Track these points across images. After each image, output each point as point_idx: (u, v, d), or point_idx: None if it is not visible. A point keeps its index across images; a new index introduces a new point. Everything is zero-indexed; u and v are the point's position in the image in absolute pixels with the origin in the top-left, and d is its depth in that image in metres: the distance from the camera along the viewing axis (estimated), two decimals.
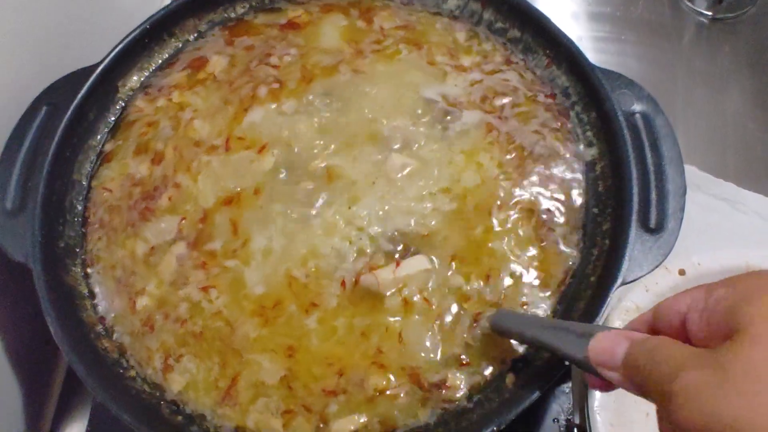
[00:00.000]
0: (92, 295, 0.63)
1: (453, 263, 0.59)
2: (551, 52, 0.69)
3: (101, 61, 0.69)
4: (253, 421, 0.56)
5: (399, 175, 0.63)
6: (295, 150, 0.65)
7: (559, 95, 0.68)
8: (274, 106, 0.68)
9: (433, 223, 0.61)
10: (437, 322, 0.57)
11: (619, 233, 0.57)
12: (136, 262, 0.63)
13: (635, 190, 0.59)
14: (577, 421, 0.66)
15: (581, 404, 0.66)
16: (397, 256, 0.59)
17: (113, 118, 0.72)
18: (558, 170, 0.64)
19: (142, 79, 0.74)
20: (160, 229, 0.64)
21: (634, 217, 0.57)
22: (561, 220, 0.62)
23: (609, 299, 0.54)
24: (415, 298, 0.58)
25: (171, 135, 0.68)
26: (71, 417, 0.72)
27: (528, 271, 0.59)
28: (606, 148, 0.63)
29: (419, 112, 0.67)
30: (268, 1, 0.78)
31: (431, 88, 0.68)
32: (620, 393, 0.65)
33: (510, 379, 0.55)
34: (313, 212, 0.62)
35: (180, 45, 0.76)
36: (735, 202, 0.80)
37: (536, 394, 0.51)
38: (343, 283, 0.59)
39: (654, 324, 0.40)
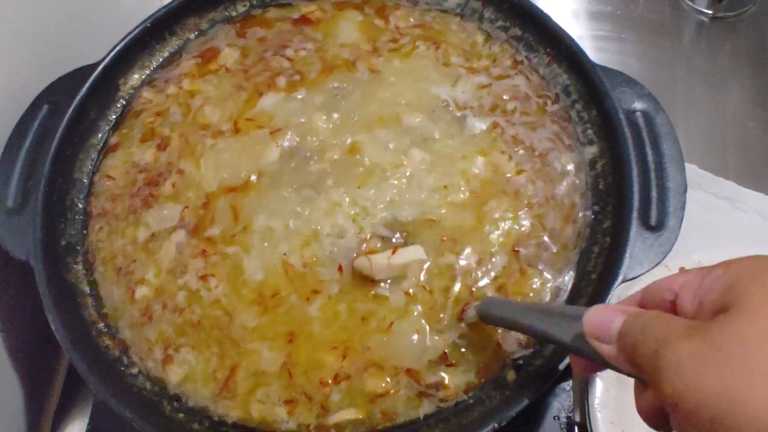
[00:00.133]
0: (93, 292, 0.63)
1: (451, 255, 0.59)
2: (552, 50, 0.69)
3: (102, 60, 0.70)
4: (257, 411, 0.56)
5: (408, 167, 0.63)
6: (309, 137, 0.65)
7: (560, 93, 0.68)
8: (290, 93, 0.68)
9: (438, 214, 0.61)
10: (431, 311, 0.57)
11: (620, 231, 0.58)
12: (137, 248, 0.63)
13: (636, 187, 0.59)
14: (577, 418, 0.66)
15: (582, 402, 0.66)
16: (394, 241, 0.59)
17: (114, 116, 0.72)
18: (561, 168, 0.64)
19: (144, 76, 0.74)
20: (162, 216, 0.64)
21: (635, 214, 0.58)
22: (560, 220, 0.62)
23: (610, 296, 0.54)
24: (410, 289, 0.58)
25: (179, 121, 0.69)
26: (72, 415, 0.72)
27: (529, 267, 0.59)
28: (606, 146, 0.64)
29: (434, 110, 0.67)
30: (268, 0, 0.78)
31: (443, 88, 0.68)
32: (621, 390, 0.66)
33: (511, 376, 0.55)
34: (320, 193, 0.62)
35: (181, 43, 0.76)
36: (735, 201, 0.80)
37: (537, 392, 0.51)
38: (340, 268, 0.59)
39: (643, 303, 0.39)
